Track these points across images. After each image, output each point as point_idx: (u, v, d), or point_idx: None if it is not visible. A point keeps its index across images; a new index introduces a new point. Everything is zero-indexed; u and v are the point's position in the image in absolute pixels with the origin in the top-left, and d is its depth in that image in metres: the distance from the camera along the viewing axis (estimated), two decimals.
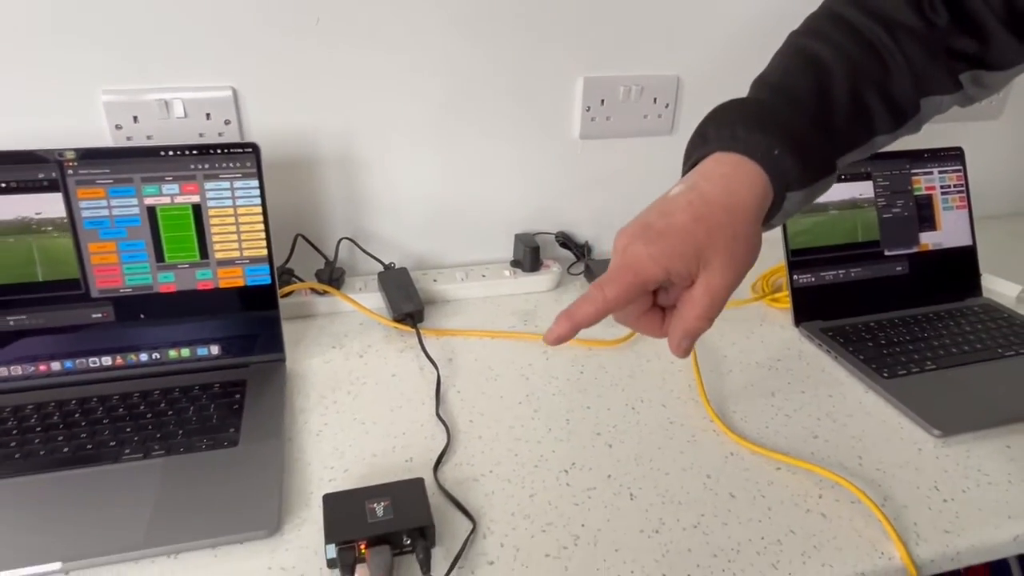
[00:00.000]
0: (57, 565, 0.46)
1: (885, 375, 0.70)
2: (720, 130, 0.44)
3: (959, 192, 0.87)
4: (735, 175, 0.42)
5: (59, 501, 0.52)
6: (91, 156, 0.61)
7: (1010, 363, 0.73)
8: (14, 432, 0.58)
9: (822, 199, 0.80)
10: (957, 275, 0.87)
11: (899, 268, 0.84)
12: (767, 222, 0.45)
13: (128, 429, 0.59)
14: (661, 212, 0.42)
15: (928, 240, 0.85)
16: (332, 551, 0.47)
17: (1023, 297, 0.87)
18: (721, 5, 0.87)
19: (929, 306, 0.83)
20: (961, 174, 0.87)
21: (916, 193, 0.85)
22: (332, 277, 0.81)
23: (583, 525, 0.52)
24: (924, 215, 0.85)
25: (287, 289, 0.78)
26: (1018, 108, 1.08)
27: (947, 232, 0.86)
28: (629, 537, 0.51)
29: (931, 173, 0.86)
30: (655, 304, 0.45)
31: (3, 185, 0.60)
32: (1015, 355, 0.74)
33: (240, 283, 0.67)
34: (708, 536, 0.52)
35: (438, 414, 0.64)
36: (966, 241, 0.87)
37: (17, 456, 0.56)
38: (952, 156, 0.87)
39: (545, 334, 0.43)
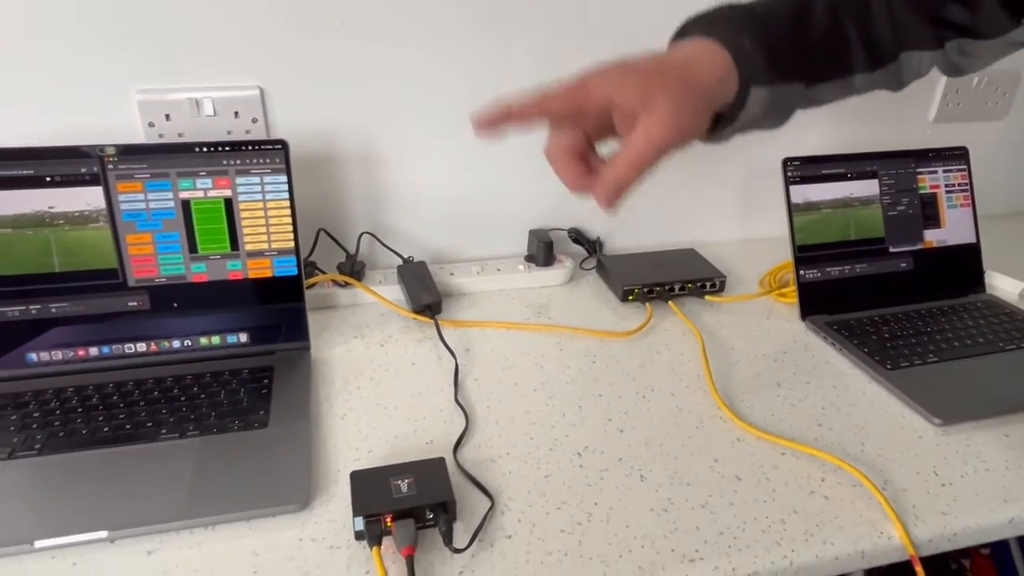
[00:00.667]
0: (104, 533, 0.50)
1: (888, 367, 0.72)
2: (699, 24, 0.47)
3: (963, 191, 0.89)
4: (702, 51, 0.44)
5: (102, 476, 0.55)
6: (130, 152, 0.65)
7: (1011, 356, 0.75)
8: (57, 412, 0.62)
9: (826, 197, 0.82)
10: (961, 272, 0.89)
11: (904, 264, 0.86)
12: (730, 121, 0.46)
13: (164, 411, 0.62)
14: (624, 60, 0.44)
15: (932, 237, 0.87)
16: (360, 523, 0.50)
17: None
18: None
19: (933, 301, 0.85)
20: (965, 173, 0.89)
21: (921, 191, 0.87)
22: (354, 270, 0.84)
23: (596, 503, 0.55)
24: (928, 213, 0.87)
25: (311, 281, 0.81)
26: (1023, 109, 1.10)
27: (951, 230, 0.88)
28: (640, 515, 0.54)
29: (936, 172, 0.88)
30: (586, 160, 0.46)
31: (48, 179, 0.63)
32: (1016, 348, 0.76)
33: (268, 274, 0.70)
34: (715, 515, 0.54)
35: (457, 400, 0.67)
36: (970, 239, 0.89)
37: (61, 435, 0.59)
38: (957, 155, 0.89)
39: (472, 116, 0.44)
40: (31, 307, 0.66)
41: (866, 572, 1.39)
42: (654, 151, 0.41)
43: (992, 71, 1.04)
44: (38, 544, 0.49)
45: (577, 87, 0.43)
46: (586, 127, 0.45)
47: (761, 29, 0.45)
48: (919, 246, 0.87)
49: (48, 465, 0.56)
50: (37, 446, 0.58)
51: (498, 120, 0.43)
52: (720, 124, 0.47)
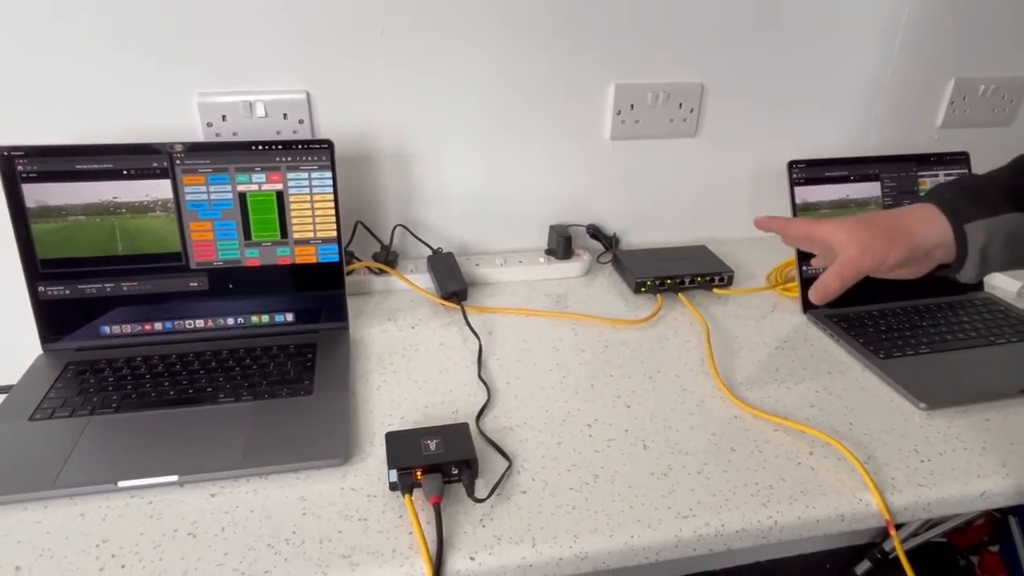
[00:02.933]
0: (175, 477, 0.58)
1: (881, 356, 0.77)
2: (927, 194, 0.62)
3: None
4: (915, 209, 0.59)
5: (170, 431, 0.63)
6: (195, 149, 0.73)
7: (1001, 349, 0.79)
8: (128, 378, 0.70)
9: (824, 199, 0.88)
10: None
11: None
12: (962, 263, 0.58)
13: (221, 379, 0.70)
14: (858, 216, 0.61)
15: None
16: (394, 475, 0.57)
17: (1023, 293, 0.94)
18: (743, 19, 0.95)
19: (932, 298, 0.90)
20: None
21: (922, 194, 0.92)
22: (388, 259, 0.92)
23: (602, 467, 0.62)
24: None
25: (350, 268, 0.89)
26: None
27: None
28: (641, 478, 0.60)
29: (937, 176, 0.92)
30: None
31: (124, 172, 0.72)
32: (1006, 342, 0.80)
33: (313, 260, 0.78)
34: (709, 480, 0.60)
35: (480, 376, 0.74)
36: None
37: (133, 396, 0.68)
38: (958, 160, 0.93)
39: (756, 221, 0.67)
40: (105, 285, 0.74)
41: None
42: (845, 274, 0.58)
43: (999, 79, 1.08)
44: (120, 484, 0.57)
45: (813, 224, 0.62)
46: (811, 248, 0.65)
47: (971, 182, 0.59)
48: None
49: (124, 421, 0.64)
50: (113, 405, 0.66)
51: (766, 227, 0.66)
52: (958, 262, 0.59)
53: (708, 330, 0.83)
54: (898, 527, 1.42)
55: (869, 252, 0.58)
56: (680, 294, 0.92)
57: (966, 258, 0.58)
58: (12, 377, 0.71)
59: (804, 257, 0.88)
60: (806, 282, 0.88)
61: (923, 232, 0.58)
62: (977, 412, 0.70)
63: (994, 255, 0.57)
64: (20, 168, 0.70)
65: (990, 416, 0.69)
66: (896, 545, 0.59)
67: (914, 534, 1.44)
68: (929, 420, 0.69)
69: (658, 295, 0.92)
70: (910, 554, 1.43)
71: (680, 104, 0.98)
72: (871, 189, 0.90)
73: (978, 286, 0.93)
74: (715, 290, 0.94)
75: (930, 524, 1.43)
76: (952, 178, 0.64)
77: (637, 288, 0.92)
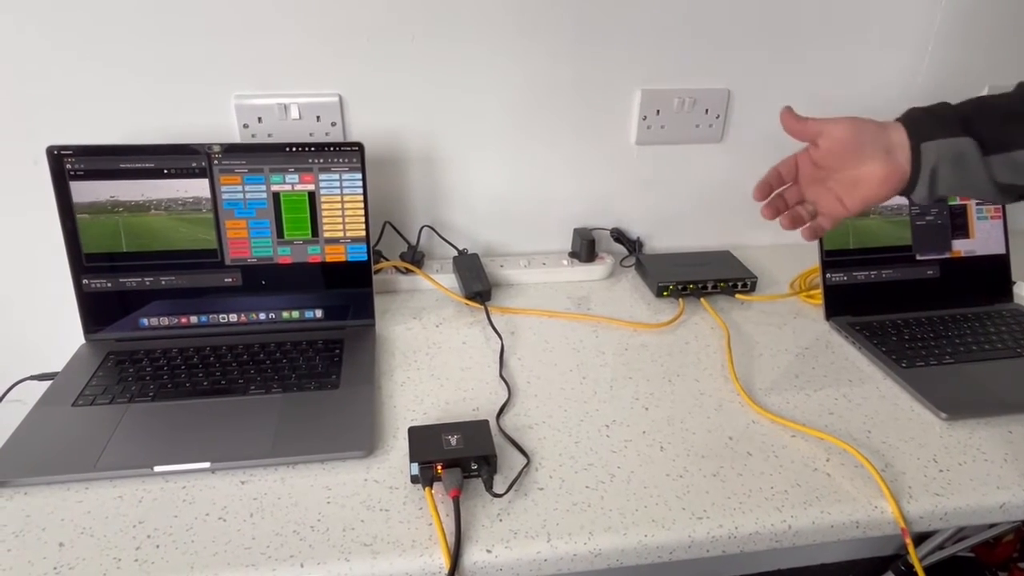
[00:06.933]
0: (207, 464, 0.60)
1: (904, 365, 0.77)
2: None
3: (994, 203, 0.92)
4: (889, 123, 0.60)
5: (203, 420, 0.66)
6: (232, 150, 0.76)
7: None
8: (165, 368, 0.73)
9: None
10: (988, 281, 0.92)
11: (930, 272, 0.90)
12: (914, 183, 0.59)
13: (252, 371, 0.73)
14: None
15: (961, 247, 0.91)
16: (415, 468, 0.59)
17: None
18: (769, 26, 0.95)
19: (958, 308, 0.89)
20: None
21: (951, 203, 0.91)
22: (414, 259, 0.94)
23: (619, 467, 0.63)
24: (957, 224, 0.91)
25: (377, 267, 0.92)
26: None
27: (980, 240, 0.92)
28: (657, 479, 0.61)
29: None
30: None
31: (165, 171, 0.75)
32: None
33: (342, 259, 0.80)
34: (724, 483, 0.61)
35: (501, 375, 0.76)
36: (999, 250, 0.92)
37: (169, 386, 0.71)
38: None
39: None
40: (145, 279, 0.77)
41: None
42: (819, 154, 0.62)
43: None
44: (157, 469, 0.60)
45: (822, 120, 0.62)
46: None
47: (938, 106, 0.59)
48: (946, 255, 0.91)
49: (160, 409, 0.67)
50: (151, 394, 0.69)
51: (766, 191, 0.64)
52: (912, 182, 0.60)
53: (729, 335, 0.84)
54: (923, 539, 1.40)
55: (840, 130, 0.61)
56: (702, 299, 0.93)
57: (918, 178, 0.59)
58: (57, 365, 0.75)
59: (828, 264, 0.88)
60: (830, 290, 0.88)
61: (889, 130, 0.60)
62: (1000, 424, 0.69)
63: (942, 176, 0.59)
64: (69, 166, 0.73)
65: (1014, 428, 0.69)
66: (911, 553, 0.59)
67: (940, 547, 1.41)
68: (950, 430, 0.69)
69: (680, 299, 0.92)
70: (935, 568, 1.41)
71: (706, 110, 0.99)
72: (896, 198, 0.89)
73: (1007, 297, 0.92)
74: (738, 295, 0.94)
75: (957, 538, 1.41)
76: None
77: (659, 292, 0.93)
